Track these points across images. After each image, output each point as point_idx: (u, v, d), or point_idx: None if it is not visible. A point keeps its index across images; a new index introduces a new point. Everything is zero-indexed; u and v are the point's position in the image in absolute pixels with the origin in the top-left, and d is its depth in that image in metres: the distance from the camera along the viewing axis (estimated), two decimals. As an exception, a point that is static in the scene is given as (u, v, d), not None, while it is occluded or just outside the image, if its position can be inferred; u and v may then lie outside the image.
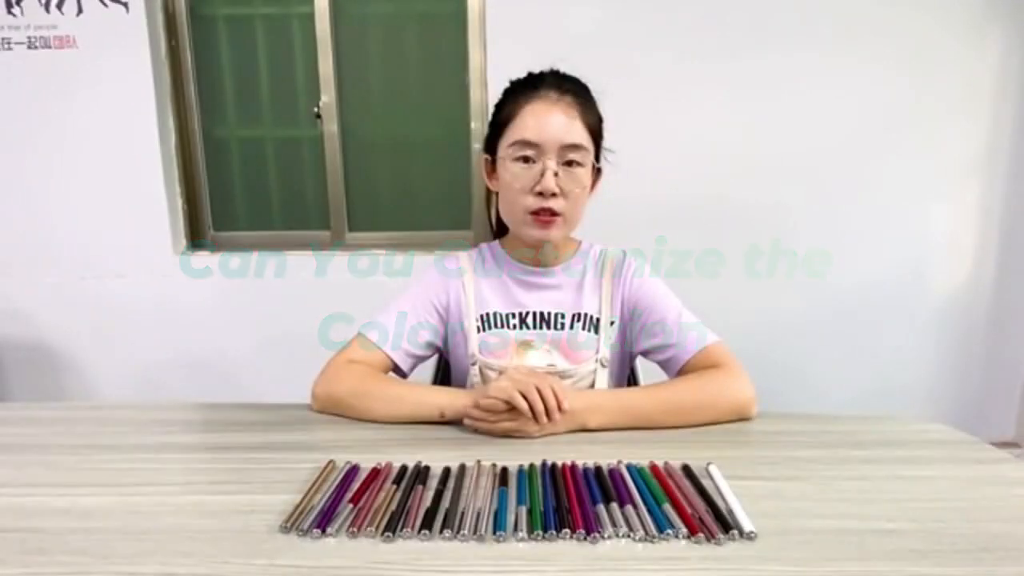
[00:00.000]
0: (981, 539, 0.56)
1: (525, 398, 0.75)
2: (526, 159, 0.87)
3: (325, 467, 0.68)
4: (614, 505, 0.60)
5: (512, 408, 0.75)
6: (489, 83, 1.94)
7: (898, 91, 1.91)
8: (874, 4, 1.86)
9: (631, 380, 1.05)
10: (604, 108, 0.93)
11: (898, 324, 2.05)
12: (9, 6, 1.88)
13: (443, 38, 2.02)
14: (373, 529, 0.56)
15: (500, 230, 1.02)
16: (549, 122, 0.85)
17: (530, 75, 0.91)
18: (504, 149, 0.89)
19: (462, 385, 0.98)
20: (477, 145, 2.05)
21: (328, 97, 2.04)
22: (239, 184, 2.15)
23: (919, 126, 1.94)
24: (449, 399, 0.81)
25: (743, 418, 0.84)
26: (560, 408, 0.75)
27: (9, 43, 1.91)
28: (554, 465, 0.69)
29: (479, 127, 2.03)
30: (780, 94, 1.91)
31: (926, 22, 1.87)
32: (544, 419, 0.75)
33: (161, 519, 0.59)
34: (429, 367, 1.08)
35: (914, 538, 0.56)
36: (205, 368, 2.09)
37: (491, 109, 0.94)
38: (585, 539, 0.55)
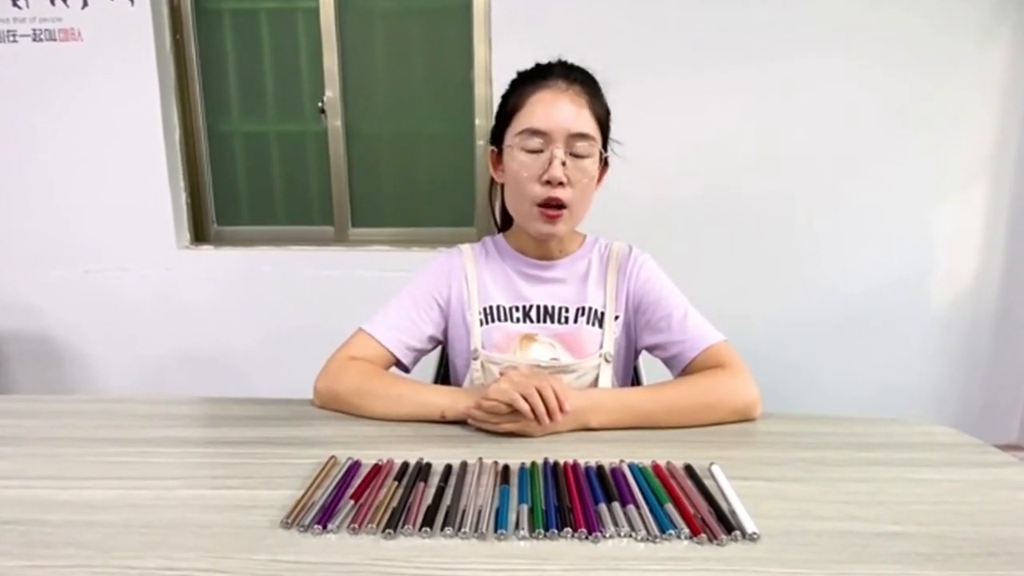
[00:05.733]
0: (986, 543, 0.55)
1: (526, 400, 0.74)
2: (534, 148, 0.86)
3: (327, 463, 0.68)
4: (616, 504, 0.60)
5: (514, 410, 0.75)
6: (494, 79, 1.93)
7: (906, 92, 1.90)
8: (883, 6, 1.85)
9: (634, 379, 1.04)
10: (610, 103, 0.92)
11: (903, 326, 2.04)
12: (14, -1, 1.89)
13: (448, 33, 2.02)
14: (374, 526, 0.56)
15: (504, 223, 1.01)
16: (557, 110, 0.85)
17: (538, 66, 0.91)
18: (511, 138, 0.88)
19: (463, 379, 0.97)
20: (481, 141, 2.04)
21: (332, 92, 2.04)
22: (243, 179, 2.16)
23: (926, 127, 1.92)
24: (451, 400, 0.81)
25: (747, 419, 0.83)
26: (561, 408, 0.75)
27: (14, 35, 1.91)
28: (556, 463, 0.68)
29: (483, 123, 2.02)
30: (786, 95, 1.90)
31: (934, 23, 1.86)
32: (546, 420, 0.75)
33: (163, 513, 0.59)
34: (432, 360, 1.08)
35: (919, 541, 0.55)
36: (207, 362, 2.09)
37: (496, 104, 0.94)
38: (586, 538, 0.55)
